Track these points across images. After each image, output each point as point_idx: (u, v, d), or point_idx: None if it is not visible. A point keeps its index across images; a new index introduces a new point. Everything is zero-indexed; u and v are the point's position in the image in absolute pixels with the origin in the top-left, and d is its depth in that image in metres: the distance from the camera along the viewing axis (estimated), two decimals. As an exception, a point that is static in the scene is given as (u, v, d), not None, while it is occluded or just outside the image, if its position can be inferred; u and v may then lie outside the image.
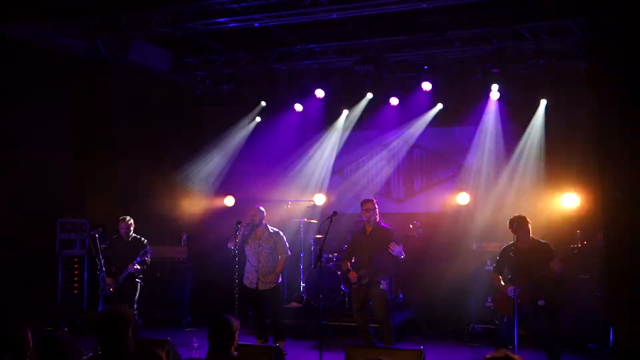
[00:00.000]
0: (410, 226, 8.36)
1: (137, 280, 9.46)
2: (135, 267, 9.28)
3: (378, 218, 8.67)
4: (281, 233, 9.46)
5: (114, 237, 9.70)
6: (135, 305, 9.33)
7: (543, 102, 11.10)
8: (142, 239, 9.64)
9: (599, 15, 7.29)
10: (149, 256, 9.49)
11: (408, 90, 11.50)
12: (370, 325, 8.72)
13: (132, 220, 9.64)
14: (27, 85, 10.37)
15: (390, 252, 8.24)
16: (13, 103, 10.33)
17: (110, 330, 4.57)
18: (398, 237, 8.52)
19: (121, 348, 4.55)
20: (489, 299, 9.65)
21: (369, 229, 8.67)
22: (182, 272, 11.79)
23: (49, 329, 8.27)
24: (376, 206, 8.68)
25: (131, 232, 9.61)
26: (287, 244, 9.42)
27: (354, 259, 8.81)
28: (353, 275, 8.52)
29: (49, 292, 10.55)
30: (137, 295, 9.43)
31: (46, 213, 10.70)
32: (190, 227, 12.49)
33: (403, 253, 8.37)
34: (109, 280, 9.20)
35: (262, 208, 9.43)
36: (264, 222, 9.34)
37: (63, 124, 11.09)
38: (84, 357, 8.51)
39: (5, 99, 10.17)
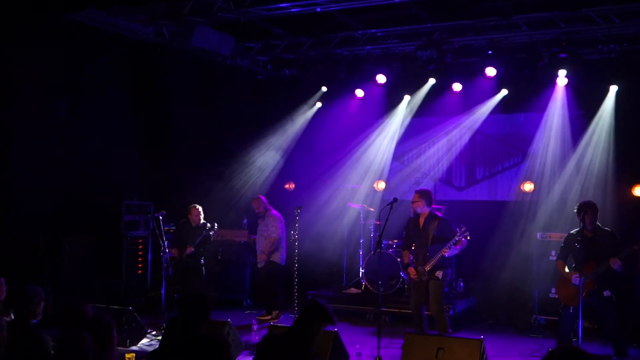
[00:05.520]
0: (457, 230, 8.22)
1: (201, 262, 10.03)
2: (191, 249, 9.89)
3: (428, 209, 8.52)
4: None
5: (182, 221, 10.27)
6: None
7: (613, 89, 10.76)
8: (207, 224, 10.10)
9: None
10: (212, 233, 10.03)
11: (471, 76, 11.30)
12: (425, 312, 8.63)
13: (201, 209, 10.17)
14: (95, 69, 10.68)
15: (443, 255, 8.17)
16: (81, 85, 10.66)
17: (190, 309, 4.73)
18: (450, 228, 8.32)
19: (192, 330, 4.68)
20: (553, 290, 9.50)
21: (421, 220, 8.57)
22: (243, 255, 11.99)
23: (115, 307, 8.55)
24: (424, 198, 8.50)
25: (201, 220, 10.13)
26: None
27: (413, 247, 8.71)
28: (412, 272, 8.46)
29: (114, 272, 10.91)
30: (204, 276, 10.04)
31: (112, 195, 11.04)
32: (251, 211, 12.67)
33: (457, 250, 8.25)
34: (173, 250, 9.75)
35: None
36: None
37: (128, 107, 11.40)
38: (147, 335, 8.85)
39: (73, 82, 10.52)
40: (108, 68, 10.88)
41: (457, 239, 8.13)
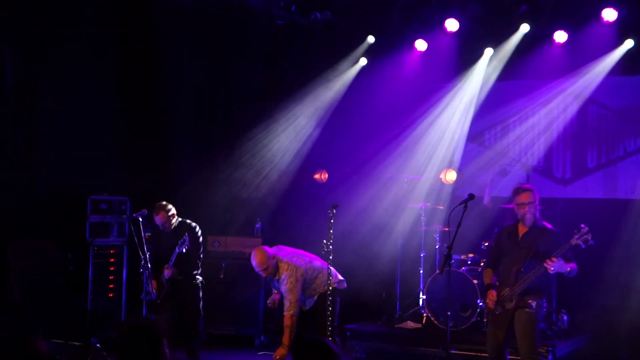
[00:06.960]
0: (575, 232, 8.04)
1: (195, 282, 9.57)
2: (169, 272, 9.33)
3: (537, 214, 8.41)
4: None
5: (154, 231, 9.77)
6: (202, 314, 9.50)
7: None
8: (189, 222, 9.59)
9: None
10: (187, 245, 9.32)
11: (581, 21, 11.25)
12: (509, 358, 8.50)
13: (171, 209, 9.49)
14: (55, 11, 10.71)
15: (548, 269, 8.00)
16: (35, 33, 10.69)
17: (131, 348, 4.67)
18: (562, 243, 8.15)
19: None
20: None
21: (522, 229, 8.43)
22: (256, 273, 11.86)
23: (76, 344, 8.57)
24: (536, 198, 8.39)
25: (173, 222, 9.52)
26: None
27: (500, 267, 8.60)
28: (491, 297, 8.31)
29: (77, 294, 10.92)
30: (201, 303, 9.56)
31: (74, 188, 11.05)
32: (266, 211, 12.62)
33: (567, 267, 8.06)
34: (153, 283, 9.36)
35: None
36: None
37: (102, 60, 11.38)
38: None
39: (24, 28, 10.55)
40: (74, 12, 10.88)
41: (574, 242, 7.95)
